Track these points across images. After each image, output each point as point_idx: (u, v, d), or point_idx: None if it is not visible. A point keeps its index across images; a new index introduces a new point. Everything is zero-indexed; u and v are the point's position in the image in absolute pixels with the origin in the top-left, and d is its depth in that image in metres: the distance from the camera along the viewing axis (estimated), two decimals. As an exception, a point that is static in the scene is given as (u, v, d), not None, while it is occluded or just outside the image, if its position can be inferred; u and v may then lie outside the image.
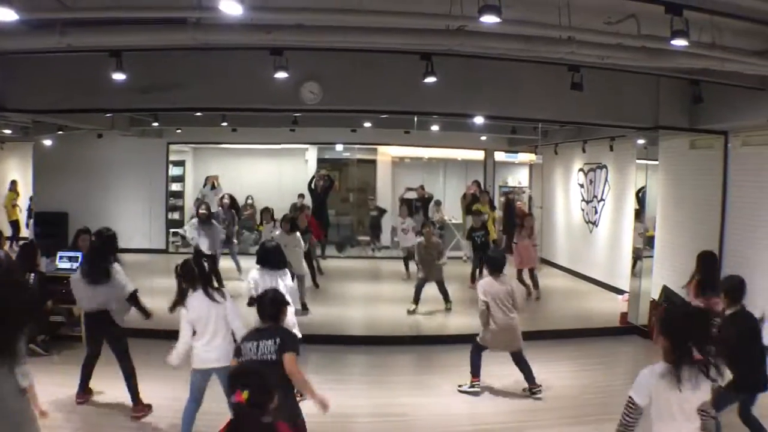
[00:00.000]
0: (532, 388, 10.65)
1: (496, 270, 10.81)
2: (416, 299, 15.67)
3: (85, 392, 9.75)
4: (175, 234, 24.63)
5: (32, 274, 11.61)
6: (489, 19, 7.60)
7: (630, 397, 5.33)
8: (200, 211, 17.44)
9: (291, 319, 9.35)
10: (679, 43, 8.34)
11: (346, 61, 12.55)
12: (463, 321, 14.81)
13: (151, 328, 10.43)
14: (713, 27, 8.96)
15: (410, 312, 15.52)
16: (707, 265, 10.81)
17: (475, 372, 10.76)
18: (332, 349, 12.61)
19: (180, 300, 8.27)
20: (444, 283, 15.99)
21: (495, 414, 10.02)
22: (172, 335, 8.27)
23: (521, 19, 8.78)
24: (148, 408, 9.47)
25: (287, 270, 10.48)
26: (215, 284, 8.41)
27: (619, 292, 17.37)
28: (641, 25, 9.05)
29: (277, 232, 16.02)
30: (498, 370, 11.15)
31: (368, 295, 17.92)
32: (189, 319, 8.12)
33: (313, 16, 9.06)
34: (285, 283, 10.03)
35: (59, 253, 13.31)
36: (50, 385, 9.16)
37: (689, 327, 5.40)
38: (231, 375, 5.09)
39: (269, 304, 7.09)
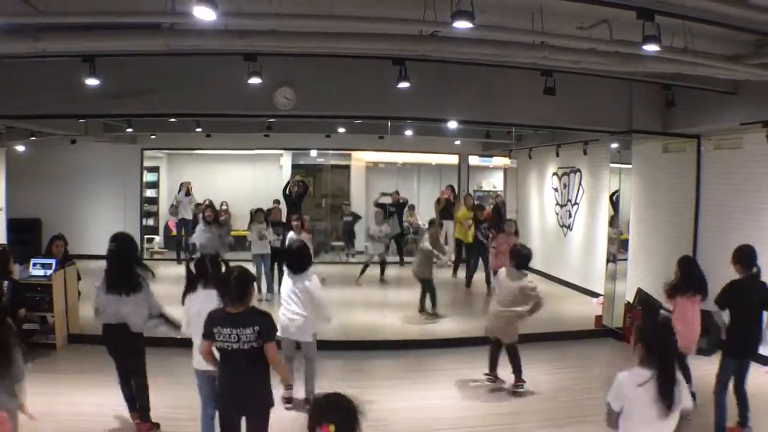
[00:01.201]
0: (516, 383, 10.88)
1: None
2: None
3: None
4: (150, 240, 24.60)
5: (5, 281, 11.54)
6: (462, 25, 7.62)
7: (608, 403, 5.39)
8: (206, 213, 17.55)
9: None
10: (651, 48, 8.38)
11: (320, 66, 12.57)
12: (444, 326, 14.88)
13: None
14: (686, 32, 9.01)
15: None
16: (687, 268, 10.87)
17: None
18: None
19: (189, 291, 8.30)
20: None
21: (473, 417, 10.04)
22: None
23: (494, 25, 8.81)
24: (157, 427, 9.07)
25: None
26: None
27: (594, 295, 17.46)
28: (614, 30, 9.11)
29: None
30: (478, 375, 11.19)
31: (342, 300, 17.89)
32: (190, 314, 8.11)
33: (286, 22, 9.06)
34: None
35: (33, 260, 13.15)
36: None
37: (669, 337, 5.47)
38: (314, 405, 4.43)
39: (236, 285, 6.81)
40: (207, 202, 21.27)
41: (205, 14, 7.47)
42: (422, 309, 16.24)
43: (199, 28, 8.86)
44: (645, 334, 5.54)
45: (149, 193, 26.25)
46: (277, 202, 21.70)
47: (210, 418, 8.07)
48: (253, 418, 6.86)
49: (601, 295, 16.13)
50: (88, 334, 11.40)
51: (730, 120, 12.55)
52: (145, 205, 25.25)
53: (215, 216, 18.32)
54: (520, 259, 11.15)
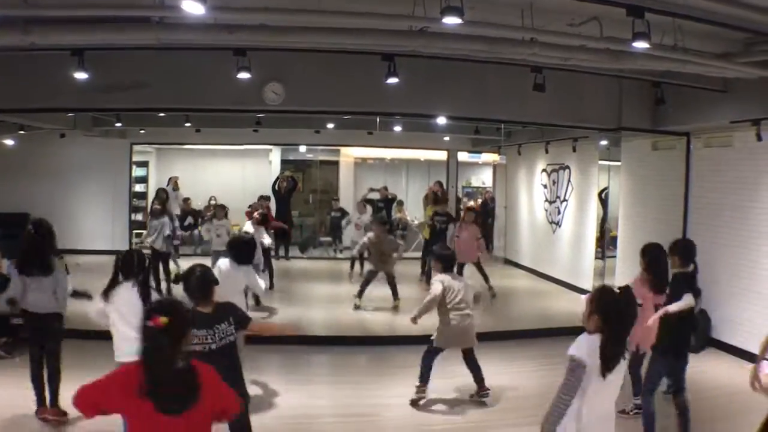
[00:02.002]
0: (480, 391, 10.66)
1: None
2: (361, 293, 15.76)
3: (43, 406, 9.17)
4: (139, 235, 24.53)
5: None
6: (451, 21, 7.62)
7: (572, 356, 5.32)
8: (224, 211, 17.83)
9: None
10: (641, 45, 8.39)
11: (309, 61, 12.54)
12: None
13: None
14: (676, 29, 9.03)
15: (356, 307, 15.61)
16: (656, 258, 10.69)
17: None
18: (295, 350, 12.55)
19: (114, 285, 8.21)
20: (394, 278, 16.06)
21: (462, 413, 10.04)
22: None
23: (484, 21, 8.82)
24: (64, 414, 8.94)
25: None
26: None
27: (582, 291, 17.45)
28: (604, 27, 9.10)
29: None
30: (464, 370, 11.19)
31: (330, 295, 17.88)
32: (112, 306, 8.04)
33: (275, 17, 9.05)
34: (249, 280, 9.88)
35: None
36: (13, 387, 9.10)
37: (627, 311, 5.49)
38: (153, 304, 4.82)
39: (199, 284, 6.76)
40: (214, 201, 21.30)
41: (193, 8, 7.46)
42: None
43: (189, 22, 8.86)
44: (603, 302, 5.56)
45: (138, 187, 26.21)
46: (263, 198, 21.65)
47: None
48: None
49: (589, 292, 16.13)
50: (75, 328, 11.33)
51: (719, 118, 12.57)
52: (134, 199, 25.17)
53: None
54: (448, 261, 10.85)
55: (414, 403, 10.19)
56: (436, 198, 20.44)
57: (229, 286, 8.91)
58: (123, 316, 7.81)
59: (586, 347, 5.34)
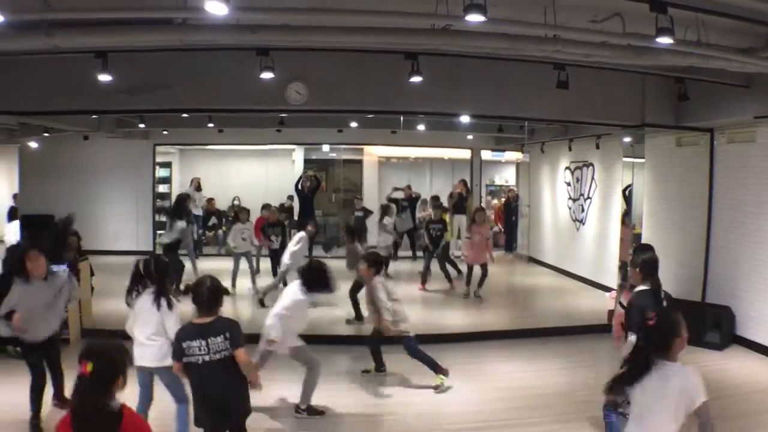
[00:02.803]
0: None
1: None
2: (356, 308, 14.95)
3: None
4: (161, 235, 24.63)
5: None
6: (474, 18, 7.60)
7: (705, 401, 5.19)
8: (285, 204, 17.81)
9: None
10: (664, 40, 8.35)
11: (332, 61, 12.56)
12: (454, 320, 14.89)
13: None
14: (699, 24, 8.98)
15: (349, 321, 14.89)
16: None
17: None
18: (319, 349, 12.54)
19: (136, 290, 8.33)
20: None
21: (484, 411, 10.00)
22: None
23: (506, 18, 8.79)
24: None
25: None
26: None
27: (607, 289, 17.40)
28: (626, 23, 9.08)
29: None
30: (490, 368, 11.17)
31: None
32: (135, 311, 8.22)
33: (298, 16, 9.09)
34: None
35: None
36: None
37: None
38: (84, 348, 4.81)
39: (209, 294, 6.77)
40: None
41: (217, 9, 7.50)
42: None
43: (212, 23, 8.90)
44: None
45: (161, 188, 26.31)
46: (290, 198, 21.71)
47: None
48: (236, 428, 6.88)
49: (613, 289, 16.07)
50: (101, 328, 11.41)
51: (743, 113, 12.50)
52: (158, 200, 25.28)
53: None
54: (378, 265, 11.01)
55: (437, 388, 10.54)
56: (460, 199, 20.48)
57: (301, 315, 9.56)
58: (137, 323, 8.03)
59: None
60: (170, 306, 8.05)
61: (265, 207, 18.78)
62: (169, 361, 7.22)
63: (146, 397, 8.19)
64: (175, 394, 8.12)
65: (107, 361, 4.58)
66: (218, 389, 6.60)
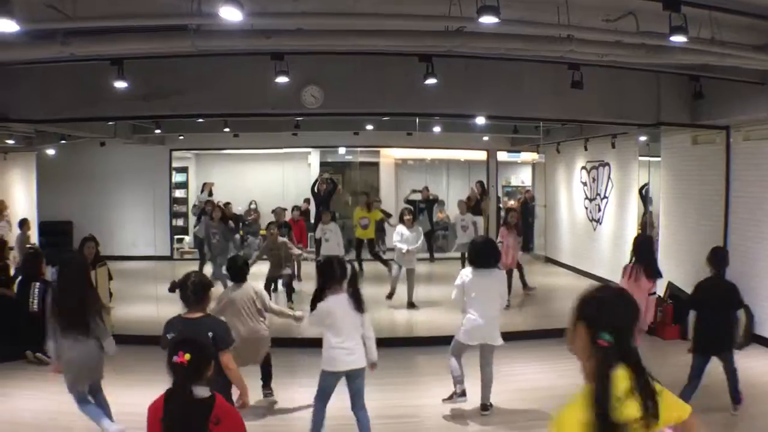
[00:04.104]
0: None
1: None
2: (290, 296, 16.05)
3: None
4: (180, 241, 24.67)
5: (37, 283, 11.63)
6: (488, 20, 7.63)
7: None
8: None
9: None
10: (678, 39, 8.36)
11: (347, 64, 12.61)
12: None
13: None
14: (712, 22, 8.98)
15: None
16: (643, 249, 11.01)
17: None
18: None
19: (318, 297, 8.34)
20: (293, 281, 16.54)
21: (503, 412, 10.05)
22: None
23: (520, 19, 8.83)
24: None
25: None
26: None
27: (624, 289, 17.34)
28: (640, 21, 9.08)
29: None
30: (509, 369, 11.17)
31: (372, 295, 17.90)
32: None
33: (312, 20, 9.13)
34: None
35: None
36: (57, 393, 9.16)
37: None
38: (174, 342, 5.25)
39: (194, 290, 6.89)
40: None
41: (231, 15, 7.54)
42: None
43: (226, 28, 8.94)
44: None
45: (178, 193, 26.33)
46: (307, 201, 21.79)
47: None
48: None
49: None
50: (120, 333, 11.44)
51: (758, 111, 12.47)
52: (174, 205, 25.31)
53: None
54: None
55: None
56: (477, 204, 20.51)
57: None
58: (340, 327, 8.36)
59: None
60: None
61: (296, 208, 18.99)
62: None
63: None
64: (361, 399, 8.66)
65: (202, 351, 4.96)
66: None
